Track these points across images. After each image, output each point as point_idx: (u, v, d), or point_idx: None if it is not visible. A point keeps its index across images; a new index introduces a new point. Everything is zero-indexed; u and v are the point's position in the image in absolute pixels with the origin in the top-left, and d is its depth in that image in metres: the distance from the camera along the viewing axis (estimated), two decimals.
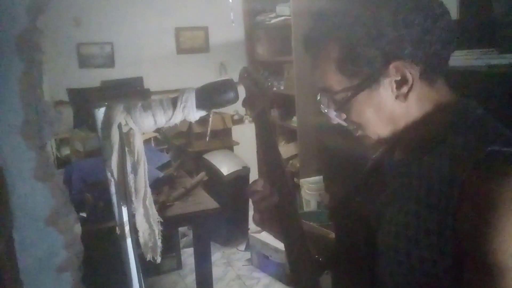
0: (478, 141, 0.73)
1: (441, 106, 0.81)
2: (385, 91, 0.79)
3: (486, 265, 0.67)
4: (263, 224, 0.96)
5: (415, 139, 0.82)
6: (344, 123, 0.87)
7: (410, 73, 0.77)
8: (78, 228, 1.87)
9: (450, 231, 0.71)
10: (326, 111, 0.87)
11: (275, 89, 4.05)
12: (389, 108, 0.80)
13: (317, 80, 0.84)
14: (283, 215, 0.88)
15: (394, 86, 0.78)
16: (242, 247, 3.67)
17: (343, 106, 0.82)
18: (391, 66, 0.77)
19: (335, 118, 0.86)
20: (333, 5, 0.81)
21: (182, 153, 4.17)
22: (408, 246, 0.77)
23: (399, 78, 0.78)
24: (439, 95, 0.81)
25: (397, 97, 0.79)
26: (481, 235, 0.68)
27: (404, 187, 0.81)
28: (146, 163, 0.86)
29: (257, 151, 4.64)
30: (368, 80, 0.78)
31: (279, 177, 0.89)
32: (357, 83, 0.79)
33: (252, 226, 3.89)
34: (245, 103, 0.96)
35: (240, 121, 4.64)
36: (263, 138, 0.91)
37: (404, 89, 0.78)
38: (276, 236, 0.99)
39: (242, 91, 0.87)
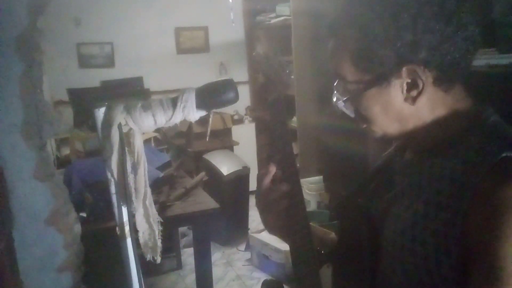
0: (492, 147, 0.73)
1: (457, 112, 0.80)
2: (395, 92, 0.78)
3: (494, 269, 0.67)
4: (267, 213, 0.94)
5: (427, 140, 0.82)
6: (351, 114, 0.86)
7: (421, 79, 0.76)
8: (78, 228, 1.87)
9: (458, 232, 0.71)
10: (335, 98, 0.86)
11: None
12: (397, 108, 0.80)
13: (333, 65, 0.84)
14: (289, 205, 0.88)
15: (405, 88, 0.78)
16: (242, 247, 3.67)
17: (353, 97, 0.82)
18: (404, 69, 0.76)
19: (343, 107, 0.85)
20: None
21: (182, 153, 4.17)
22: (413, 245, 0.77)
23: (410, 81, 0.77)
24: (455, 101, 0.80)
25: (405, 99, 0.79)
26: (492, 239, 0.67)
27: (414, 186, 0.81)
28: (146, 163, 0.86)
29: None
30: (380, 78, 0.78)
31: (288, 167, 0.88)
32: (368, 78, 0.79)
33: (252, 226, 3.89)
34: (261, 88, 0.94)
35: (240, 121, 4.63)
36: (276, 127, 0.89)
37: (414, 92, 0.78)
38: (279, 230, 0.97)
39: (242, 92, 0.86)
